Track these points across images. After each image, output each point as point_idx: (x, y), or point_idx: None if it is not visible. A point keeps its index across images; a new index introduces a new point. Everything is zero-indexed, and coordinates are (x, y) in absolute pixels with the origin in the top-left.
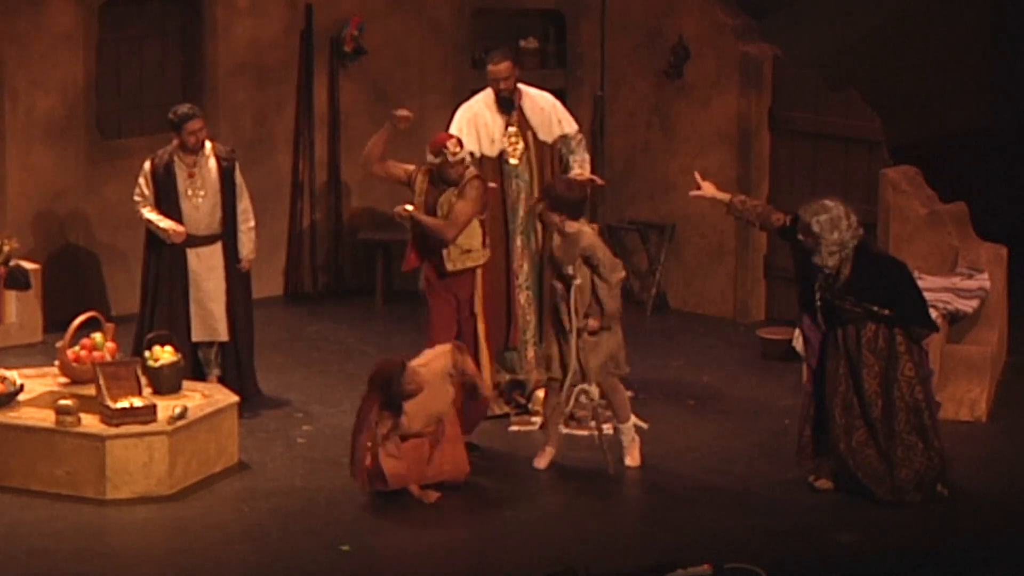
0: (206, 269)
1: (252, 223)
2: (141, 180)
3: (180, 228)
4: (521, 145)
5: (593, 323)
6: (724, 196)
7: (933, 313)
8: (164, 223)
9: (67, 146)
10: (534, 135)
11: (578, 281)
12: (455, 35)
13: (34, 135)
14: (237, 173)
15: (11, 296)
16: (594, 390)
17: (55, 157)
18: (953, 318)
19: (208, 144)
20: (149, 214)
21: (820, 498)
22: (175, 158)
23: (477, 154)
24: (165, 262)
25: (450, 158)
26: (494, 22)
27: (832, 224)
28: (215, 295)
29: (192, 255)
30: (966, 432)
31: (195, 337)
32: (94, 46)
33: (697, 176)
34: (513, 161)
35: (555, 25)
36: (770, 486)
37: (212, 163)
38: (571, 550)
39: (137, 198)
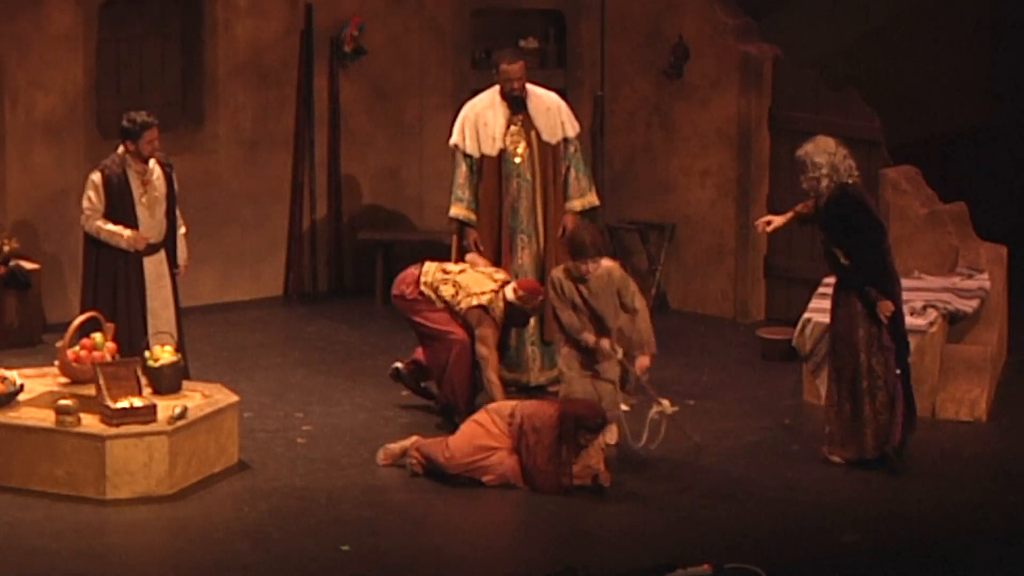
0: (157, 276)
1: (184, 229)
2: (91, 192)
3: (143, 236)
4: (523, 144)
5: (644, 360)
6: (789, 215)
7: (932, 313)
8: (127, 232)
9: (67, 146)
10: (538, 135)
11: (619, 323)
12: (455, 35)
13: (34, 135)
14: (175, 179)
15: (11, 296)
16: (666, 404)
17: (55, 157)
18: (953, 318)
19: None
20: (105, 225)
21: (820, 498)
22: (127, 167)
23: (476, 155)
24: (116, 272)
25: (534, 304)
26: (494, 22)
27: (817, 148)
28: (167, 302)
29: (147, 263)
30: (966, 432)
31: (151, 345)
32: (94, 46)
33: (762, 223)
34: (516, 160)
35: (555, 25)
36: (770, 486)
37: (159, 170)
38: (571, 550)
39: (88, 211)
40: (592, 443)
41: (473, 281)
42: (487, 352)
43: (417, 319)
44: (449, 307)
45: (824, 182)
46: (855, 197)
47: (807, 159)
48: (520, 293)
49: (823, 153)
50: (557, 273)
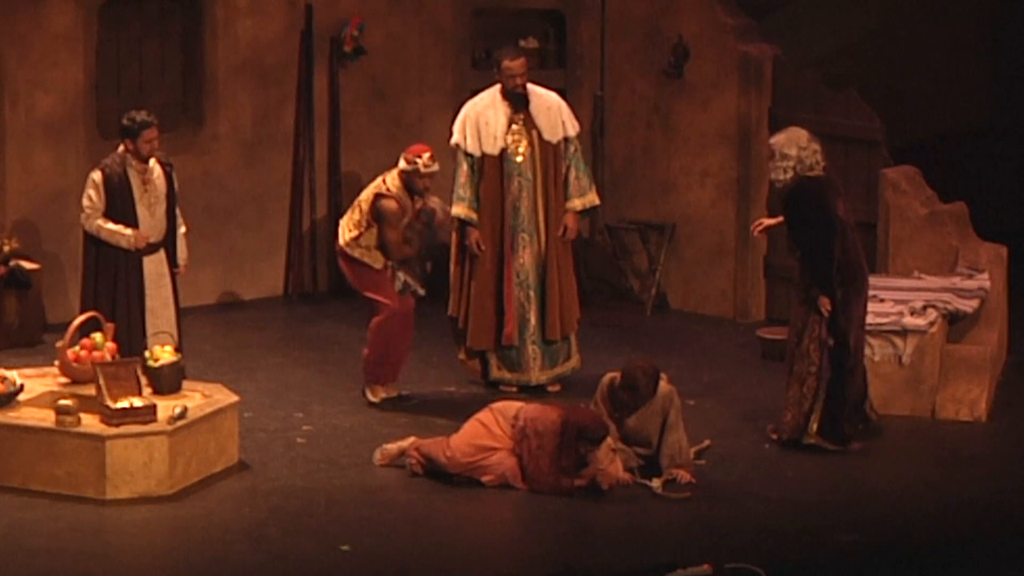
0: (157, 276)
1: (184, 229)
2: (91, 191)
3: (143, 235)
4: (524, 143)
5: (684, 475)
6: (780, 218)
7: (932, 313)
8: (127, 231)
9: (67, 146)
10: (539, 134)
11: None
12: (455, 35)
13: (34, 135)
14: (175, 178)
15: (11, 296)
16: (656, 484)
17: (55, 157)
18: (953, 318)
19: None
20: (105, 224)
21: (820, 498)
22: (128, 166)
23: (477, 154)
24: (116, 271)
25: (422, 169)
26: (494, 22)
27: (789, 139)
28: (167, 302)
29: (146, 262)
30: (966, 432)
31: (151, 344)
32: (94, 46)
33: (755, 226)
34: (518, 159)
35: (555, 25)
36: (770, 486)
37: (159, 170)
38: (571, 550)
39: (88, 209)
40: (592, 454)
41: (368, 188)
42: (394, 235)
43: (356, 285)
44: (363, 225)
45: (789, 174)
46: (811, 191)
47: (776, 149)
48: (407, 156)
49: (793, 145)
50: (608, 383)
